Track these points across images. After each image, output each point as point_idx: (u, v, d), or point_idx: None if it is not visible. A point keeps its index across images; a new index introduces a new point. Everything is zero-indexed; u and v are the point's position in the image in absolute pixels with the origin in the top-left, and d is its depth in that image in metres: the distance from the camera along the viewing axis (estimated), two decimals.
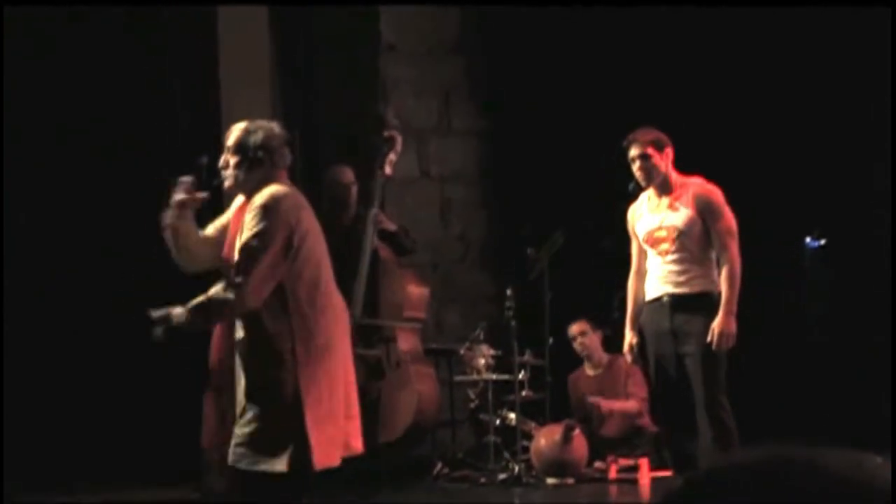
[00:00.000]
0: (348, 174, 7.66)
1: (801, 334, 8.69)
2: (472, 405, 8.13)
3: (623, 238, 6.21)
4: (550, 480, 7.48)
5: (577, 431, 7.62)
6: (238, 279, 4.55)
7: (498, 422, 7.88)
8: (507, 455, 7.73)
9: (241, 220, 4.74)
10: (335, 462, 4.67)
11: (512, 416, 7.88)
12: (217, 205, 5.24)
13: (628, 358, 6.20)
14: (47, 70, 8.59)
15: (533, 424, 7.97)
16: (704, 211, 5.86)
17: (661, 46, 8.48)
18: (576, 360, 8.34)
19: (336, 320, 4.79)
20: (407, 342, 7.56)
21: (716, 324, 5.76)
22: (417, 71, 9.07)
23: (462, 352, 8.03)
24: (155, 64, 8.77)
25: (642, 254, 6.07)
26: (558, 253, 7.65)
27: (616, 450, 7.85)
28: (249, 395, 4.64)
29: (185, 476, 6.82)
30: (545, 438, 7.63)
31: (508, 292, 7.77)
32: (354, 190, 7.63)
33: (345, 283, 5.71)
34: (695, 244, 5.86)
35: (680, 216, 5.88)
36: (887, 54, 7.82)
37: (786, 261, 8.76)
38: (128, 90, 8.64)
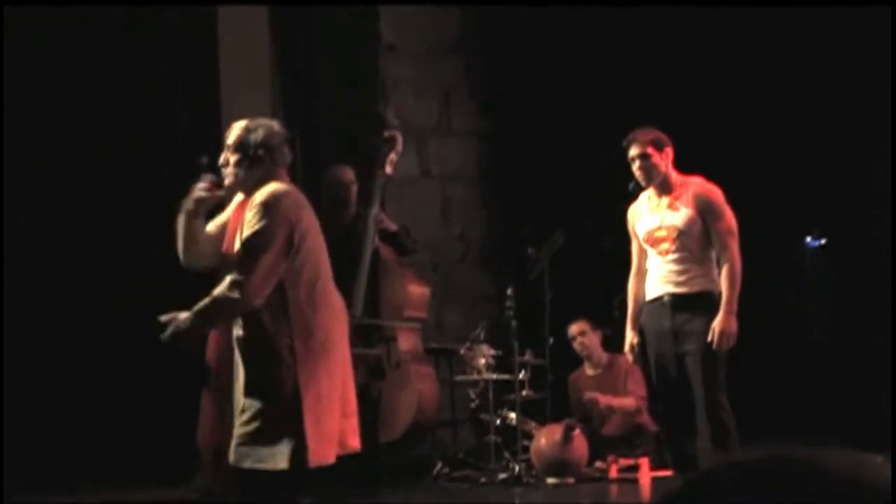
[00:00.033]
0: (348, 173, 7.67)
1: (801, 334, 8.69)
2: (473, 405, 8.13)
3: (623, 238, 6.21)
4: (551, 480, 7.49)
5: (577, 431, 7.62)
6: (241, 278, 4.55)
7: (498, 421, 7.88)
8: (507, 455, 7.73)
9: (240, 217, 4.75)
10: (330, 459, 4.67)
11: (512, 415, 7.88)
12: (217, 204, 5.23)
13: (629, 358, 6.20)
14: (47, 70, 8.59)
15: (533, 424, 7.97)
16: (704, 210, 5.86)
17: (661, 46, 8.48)
18: (576, 360, 8.34)
19: (335, 319, 4.79)
20: (407, 342, 7.57)
21: (716, 323, 5.76)
22: (417, 71, 9.07)
23: (462, 351, 8.03)
24: (155, 64, 8.77)
25: (642, 253, 6.07)
26: (558, 253, 7.66)
27: (616, 449, 7.86)
28: (249, 394, 4.64)
29: (185, 476, 6.81)
30: (545, 438, 7.63)
31: (509, 292, 7.77)
32: (355, 189, 7.63)
33: (344, 283, 5.71)
34: (695, 244, 5.86)
35: (680, 216, 5.88)
36: (887, 54, 7.82)
37: (786, 261, 8.76)
38: (128, 90, 8.64)
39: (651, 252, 5.98)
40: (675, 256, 5.89)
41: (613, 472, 7.74)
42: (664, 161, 5.94)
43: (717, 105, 8.25)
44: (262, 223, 4.59)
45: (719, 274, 5.86)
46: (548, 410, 7.97)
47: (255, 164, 4.73)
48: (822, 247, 8.98)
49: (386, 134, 7.66)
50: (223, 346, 4.79)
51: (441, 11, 9.10)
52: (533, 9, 8.88)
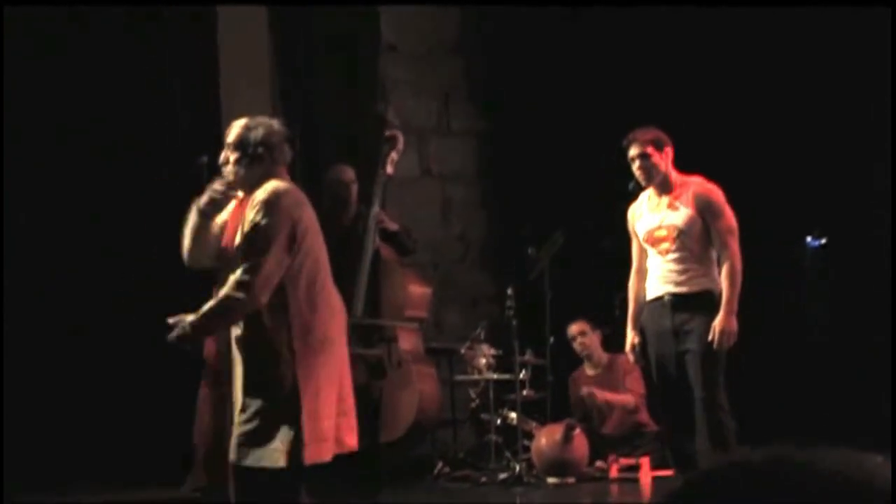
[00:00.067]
0: (349, 173, 7.67)
1: (801, 334, 8.69)
2: (473, 405, 8.13)
3: (623, 238, 6.21)
4: (551, 480, 7.49)
5: (577, 431, 7.62)
6: (246, 277, 4.54)
7: (499, 421, 7.89)
8: (507, 454, 7.73)
9: (239, 215, 4.75)
10: (326, 458, 4.66)
11: (513, 415, 7.88)
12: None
13: (630, 358, 6.20)
14: (47, 70, 8.59)
15: (534, 424, 7.98)
16: (704, 210, 5.86)
17: (661, 46, 8.48)
18: (576, 360, 8.34)
19: (333, 317, 4.79)
20: (408, 342, 7.56)
21: (717, 322, 5.76)
22: (417, 71, 9.07)
23: (463, 351, 8.04)
24: (155, 64, 8.77)
25: (643, 253, 6.06)
26: (558, 253, 7.66)
27: (617, 449, 7.86)
28: (248, 392, 4.65)
29: (185, 476, 6.82)
30: (546, 438, 7.63)
31: (509, 292, 7.78)
32: (355, 188, 7.63)
33: (345, 282, 5.71)
34: (695, 243, 5.86)
35: (680, 215, 5.88)
36: (887, 54, 7.82)
37: (786, 261, 8.76)
38: (128, 90, 8.64)
39: (651, 252, 5.98)
40: (675, 256, 5.88)
41: (614, 472, 7.74)
42: (664, 161, 5.93)
43: (717, 105, 8.25)
44: (265, 221, 4.59)
45: (720, 273, 5.86)
46: (548, 410, 7.97)
47: (255, 162, 4.73)
48: (822, 247, 8.98)
49: (387, 133, 7.66)
50: (221, 345, 4.80)
51: (441, 12, 9.10)
52: (533, 9, 8.88)
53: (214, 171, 4.91)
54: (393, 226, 7.57)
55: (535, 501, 7.30)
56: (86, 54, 8.61)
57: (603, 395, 8.01)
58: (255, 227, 4.59)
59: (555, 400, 8.03)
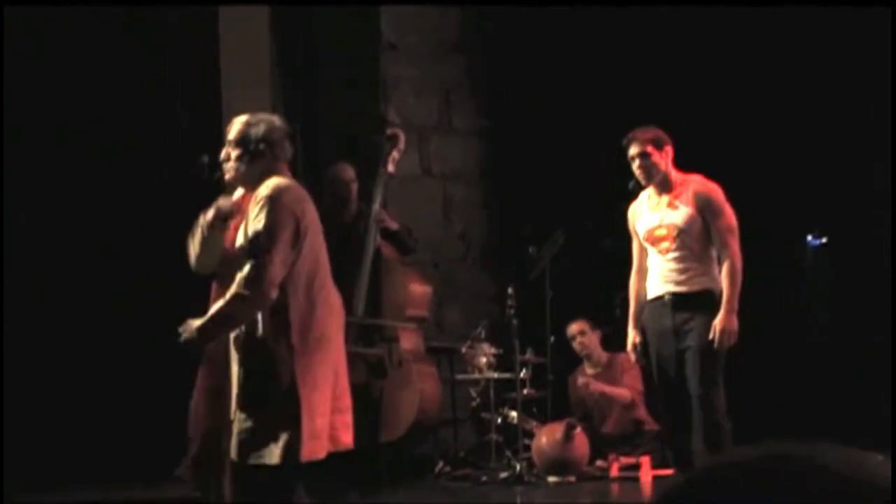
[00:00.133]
0: (349, 171, 7.67)
1: (802, 334, 8.69)
2: (474, 404, 8.14)
3: (623, 237, 6.21)
4: (552, 479, 7.49)
5: (578, 430, 7.62)
6: (253, 275, 4.54)
7: (499, 420, 7.89)
8: (508, 453, 7.74)
9: (241, 213, 4.75)
10: (320, 455, 4.66)
11: (513, 414, 7.88)
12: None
13: (632, 357, 6.20)
14: (47, 70, 8.59)
15: (534, 423, 7.98)
16: (704, 209, 5.86)
17: (661, 46, 8.48)
18: (576, 359, 8.35)
19: (332, 315, 4.79)
20: (409, 341, 7.56)
21: (717, 321, 5.76)
22: (418, 70, 9.07)
23: (463, 350, 8.04)
24: (155, 64, 8.77)
25: (643, 252, 6.06)
26: (559, 252, 7.66)
27: (617, 448, 7.87)
28: (247, 390, 4.64)
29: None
30: (546, 437, 7.64)
31: (510, 291, 7.78)
32: (355, 187, 7.63)
33: (346, 281, 5.71)
34: (695, 242, 5.86)
35: (680, 214, 5.87)
36: (887, 54, 7.82)
37: (786, 261, 8.76)
38: (128, 90, 8.64)
39: (651, 251, 5.98)
40: (675, 255, 5.88)
41: (614, 471, 7.75)
42: (664, 160, 5.93)
43: (718, 105, 8.25)
44: (269, 218, 4.59)
45: (720, 272, 5.86)
46: (549, 409, 7.97)
47: (257, 158, 4.73)
48: (822, 245, 8.98)
49: (388, 132, 7.66)
50: (220, 341, 4.79)
51: (441, 11, 9.10)
52: (533, 9, 8.89)
53: (215, 170, 4.91)
54: (394, 225, 7.57)
55: (536, 500, 7.30)
56: (86, 54, 8.61)
57: (599, 387, 8.03)
58: (259, 224, 4.59)
59: (555, 399, 8.04)
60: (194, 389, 5.03)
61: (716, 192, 5.91)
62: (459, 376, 8.14)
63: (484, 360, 7.93)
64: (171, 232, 5.16)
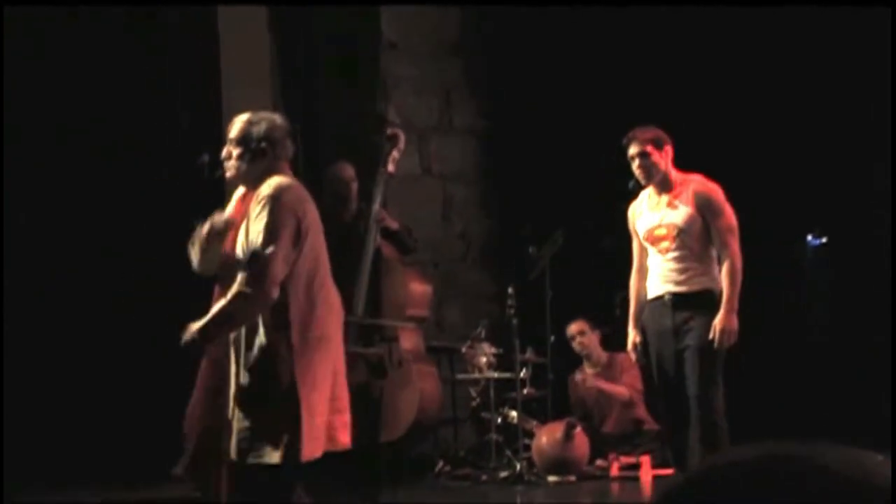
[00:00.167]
0: (348, 170, 7.67)
1: (801, 334, 8.69)
2: (474, 403, 8.14)
3: (623, 237, 6.21)
4: (552, 478, 7.49)
5: (578, 429, 7.63)
6: (256, 272, 4.54)
7: (499, 420, 7.89)
8: (508, 453, 7.74)
9: (241, 211, 4.75)
10: (317, 454, 4.67)
11: (513, 414, 7.88)
12: (219, 198, 5.24)
13: (632, 357, 6.19)
14: (47, 70, 8.60)
15: (534, 422, 7.98)
16: (704, 208, 5.86)
17: (661, 46, 8.48)
18: (577, 358, 8.35)
19: (331, 314, 4.79)
20: (409, 341, 7.56)
21: (717, 321, 5.75)
22: (418, 70, 9.07)
23: (464, 350, 8.04)
24: (155, 64, 8.77)
25: (643, 252, 6.06)
26: (559, 252, 7.67)
27: (617, 448, 7.87)
28: (247, 388, 4.65)
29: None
30: (547, 436, 7.64)
31: (510, 291, 7.78)
32: (355, 186, 7.63)
33: (345, 280, 5.70)
34: (695, 242, 5.85)
35: (680, 214, 5.87)
36: (887, 54, 7.82)
37: (786, 261, 8.77)
38: (128, 90, 8.64)
39: (651, 250, 5.98)
40: (675, 255, 5.88)
41: (615, 471, 7.75)
42: (664, 159, 5.93)
43: (718, 104, 8.26)
44: (270, 217, 4.59)
45: (720, 272, 5.86)
46: (549, 409, 7.98)
47: (258, 157, 4.74)
48: (822, 245, 8.98)
49: (388, 131, 7.66)
50: (220, 340, 4.78)
51: (441, 11, 9.11)
52: (533, 9, 8.89)
53: (216, 169, 4.91)
54: (394, 224, 7.57)
55: (536, 500, 7.30)
56: (86, 54, 8.61)
57: (597, 383, 8.04)
58: (261, 222, 4.59)
59: (555, 398, 8.04)
60: (195, 388, 5.03)
61: (716, 191, 5.91)
62: (459, 376, 8.14)
63: (484, 359, 7.93)
64: (172, 232, 5.16)
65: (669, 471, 6.81)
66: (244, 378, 4.66)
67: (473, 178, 9.30)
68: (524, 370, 7.88)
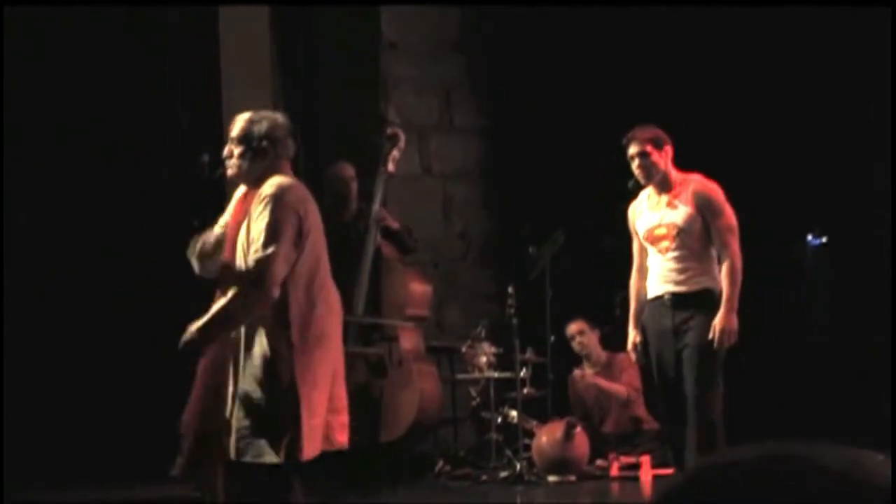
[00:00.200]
0: (348, 169, 7.67)
1: (801, 334, 8.69)
2: (474, 403, 8.14)
3: (623, 237, 6.21)
4: (552, 478, 7.49)
5: (578, 429, 7.63)
6: (257, 271, 4.54)
7: (499, 419, 7.89)
8: (508, 453, 7.74)
9: (242, 210, 4.75)
10: (315, 453, 4.67)
11: (513, 413, 7.88)
12: (219, 197, 5.24)
13: (632, 356, 6.19)
14: (47, 70, 8.59)
15: (534, 422, 7.98)
16: (704, 208, 5.85)
17: (661, 46, 8.48)
18: (577, 358, 8.35)
19: (331, 314, 4.80)
20: (409, 340, 7.56)
21: (717, 321, 5.75)
22: (418, 70, 9.07)
23: (464, 350, 8.04)
24: (155, 64, 8.77)
25: (643, 252, 6.06)
26: (559, 252, 7.67)
27: (617, 447, 7.87)
28: (246, 388, 4.65)
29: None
30: (547, 436, 7.64)
31: (510, 290, 7.79)
32: (354, 185, 7.63)
33: (345, 280, 5.71)
34: (695, 241, 5.85)
35: (679, 213, 5.87)
36: (887, 54, 7.82)
37: (786, 260, 8.76)
38: (128, 90, 8.64)
39: (651, 250, 5.98)
40: (675, 254, 5.88)
41: (615, 471, 7.75)
42: (663, 159, 5.93)
43: (718, 104, 8.25)
44: (272, 216, 4.59)
45: (720, 272, 5.85)
46: (549, 408, 7.97)
47: (259, 156, 4.74)
48: (822, 245, 8.98)
49: (388, 131, 7.66)
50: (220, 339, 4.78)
51: (441, 11, 9.11)
52: (533, 9, 8.89)
53: (217, 167, 4.92)
54: (394, 224, 7.57)
55: (536, 500, 7.30)
56: (86, 54, 8.61)
57: (593, 379, 8.04)
58: (263, 222, 4.60)
59: (555, 398, 8.04)
60: (193, 386, 5.03)
61: (715, 191, 5.91)
62: (459, 376, 8.14)
63: (484, 359, 7.94)
64: (172, 232, 5.16)
65: (669, 471, 6.81)
66: (244, 377, 4.66)
67: (473, 178, 9.30)
68: (524, 370, 7.88)
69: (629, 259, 6.16)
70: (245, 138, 4.76)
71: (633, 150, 5.94)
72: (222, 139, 4.90)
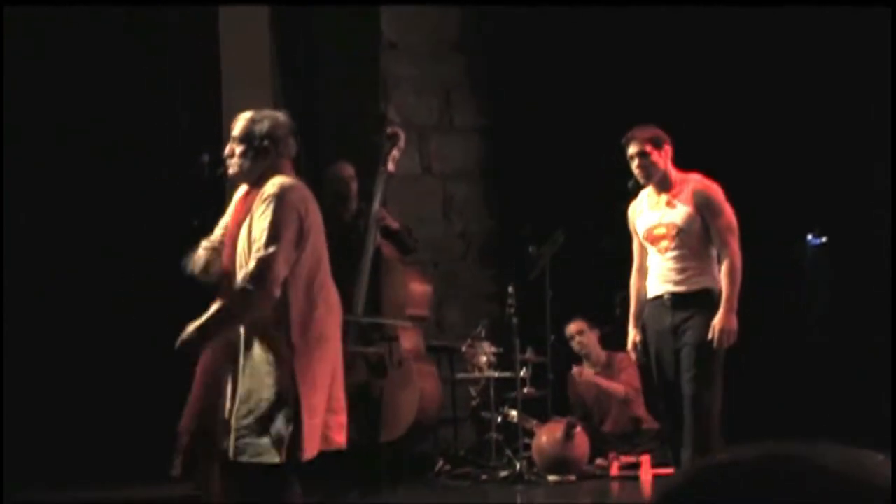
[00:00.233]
0: (348, 169, 7.67)
1: (801, 334, 8.69)
2: (474, 403, 8.14)
3: (623, 237, 6.21)
4: (552, 478, 7.49)
5: (578, 429, 7.63)
6: (258, 270, 4.54)
7: (499, 419, 7.89)
8: (508, 452, 7.74)
9: (243, 209, 4.75)
10: (314, 454, 4.67)
11: (513, 413, 7.89)
12: (219, 197, 5.24)
13: (632, 356, 6.19)
14: (47, 70, 8.59)
15: (534, 422, 7.98)
16: (703, 207, 5.85)
17: (661, 46, 8.48)
18: (577, 358, 8.36)
19: (330, 314, 4.80)
20: (409, 340, 7.56)
21: (717, 321, 5.75)
22: (418, 70, 9.08)
23: (464, 349, 8.04)
24: (155, 64, 8.77)
25: (644, 251, 6.06)
26: (559, 252, 7.67)
27: (617, 447, 7.87)
28: (246, 388, 4.64)
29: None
30: (547, 436, 7.64)
31: (510, 290, 7.79)
32: (354, 185, 7.63)
33: (345, 279, 5.71)
34: (695, 241, 5.85)
35: (679, 213, 5.87)
36: (887, 54, 7.82)
37: (786, 260, 8.76)
38: (128, 90, 8.64)
39: (651, 250, 5.98)
40: (674, 254, 5.88)
41: (615, 470, 7.75)
42: (663, 158, 5.93)
43: (718, 104, 8.25)
44: (274, 215, 4.60)
45: (719, 271, 5.85)
46: (549, 408, 7.98)
47: (261, 155, 4.74)
48: (822, 245, 8.98)
49: (388, 130, 7.66)
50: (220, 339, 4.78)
51: (441, 11, 9.11)
52: (533, 9, 8.89)
53: (218, 166, 4.92)
54: (394, 224, 7.57)
55: (536, 499, 7.31)
56: (86, 54, 8.61)
57: (592, 377, 8.04)
58: (264, 221, 4.60)
59: (555, 398, 8.04)
60: (192, 385, 5.03)
61: (715, 190, 5.91)
62: (459, 375, 8.14)
63: (484, 359, 7.94)
64: (172, 232, 5.16)
65: (669, 470, 6.81)
66: (244, 377, 4.66)
67: (473, 178, 9.31)
68: (524, 369, 7.88)
69: (629, 259, 6.15)
70: (247, 137, 4.76)
71: (632, 149, 5.94)
72: (222, 139, 4.90)
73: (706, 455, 5.21)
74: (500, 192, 9.28)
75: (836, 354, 8.32)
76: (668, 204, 5.91)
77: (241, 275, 4.59)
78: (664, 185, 5.94)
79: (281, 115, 4.90)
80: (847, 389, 7.95)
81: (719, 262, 5.86)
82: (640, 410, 7.96)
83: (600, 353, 8.24)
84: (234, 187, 4.97)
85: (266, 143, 4.74)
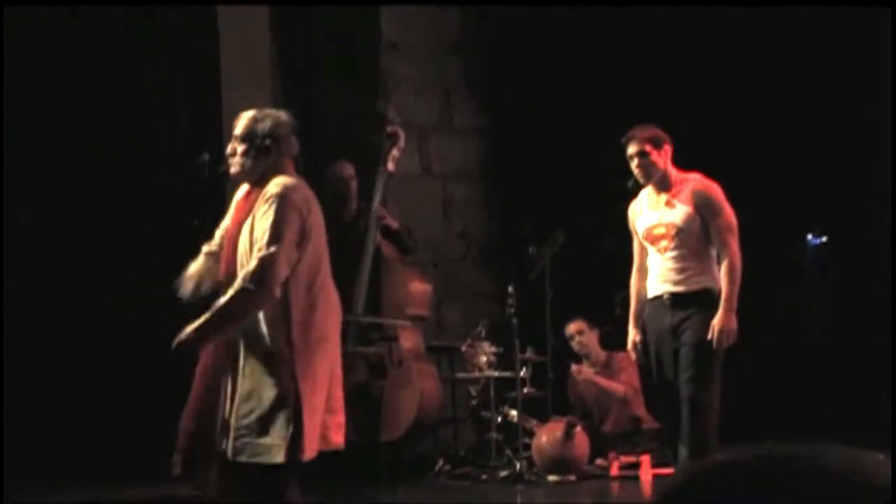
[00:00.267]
0: (348, 169, 7.68)
1: (801, 334, 8.69)
2: (474, 402, 8.14)
3: (623, 237, 6.21)
4: (552, 478, 7.49)
5: (578, 429, 7.63)
6: (260, 269, 4.54)
7: (499, 419, 7.89)
8: (508, 452, 7.74)
9: (245, 209, 4.75)
10: (314, 454, 4.67)
11: (513, 413, 7.88)
12: (219, 197, 5.24)
13: (632, 356, 6.19)
14: (47, 70, 8.59)
15: (534, 422, 7.98)
16: (703, 207, 5.85)
17: (661, 46, 8.49)
18: (577, 357, 8.36)
19: (330, 315, 4.80)
20: (409, 340, 7.57)
21: (716, 321, 5.75)
22: (418, 69, 9.08)
23: (464, 349, 8.04)
24: (155, 64, 8.77)
25: (643, 251, 6.06)
26: (559, 252, 7.67)
27: (617, 447, 7.87)
28: (247, 388, 4.65)
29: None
30: (547, 436, 7.64)
31: (510, 290, 7.79)
32: (354, 185, 7.63)
33: (345, 279, 5.71)
34: (694, 241, 5.85)
35: (678, 213, 5.87)
36: (887, 54, 7.82)
37: (786, 260, 8.77)
38: (128, 90, 8.64)
39: (651, 249, 5.98)
40: (674, 254, 5.88)
41: (615, 470, 7.75)
42: (663, 158, 5.93)
43: (718, 104, 8.26)
44: (277, 215, 4.60)
45: (719, 271, 5.85)
46: (549, 408, 7.98)
47: (262, 154, 4.75)
48: (822, 245, 8.99)
49: (388, 129, 7.66)
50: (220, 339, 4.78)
51: (441, 11, 9.11)
52: (533, 9, 8.89)
53: (219, 165, 4.92)
54: (394, 223, 7.57)
55: (536, 499, 7.30)
56: (86, 54, 8.61)
57: (591, 375, 8.04)
58: (266, 221, 4.60)
59: (555, 398, 8.04)
60: (192, 385, 5.04)
61: (715, 190, 5.91)
62: (459, 375, 8.14)
63: (484, 358, 7.94)
64: (172, 232, 5.16)
65: (669, 470, 6.81)
66: (244, 378, 4.66)
67: (473, 178, 9.31)
68: (524, 369, 7.88)
69: (629, 259, 6.16)
70: (249, 136, 4.77)
71: (632, 149, 5.94)
72: (222, 139, 4.91)
73: (704, 455, 5.24)
74: (500, 193, 9.28)
75: (836, 354, 8.33)
76: (668, 204, 5.91)
77: (241, 274, 4.59)
78: (664, 185, 5.94)
79: (283, 115, 4.91)
80: (847, 389, 7.95)
81: (719, 262, 5.86)
82: (640, 410, 7.97)
83: (600, 353, 8.24)
84: (236, 187, 4.98)
85: (268, 142, 4.75)
